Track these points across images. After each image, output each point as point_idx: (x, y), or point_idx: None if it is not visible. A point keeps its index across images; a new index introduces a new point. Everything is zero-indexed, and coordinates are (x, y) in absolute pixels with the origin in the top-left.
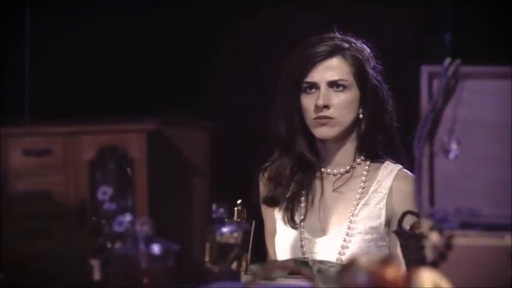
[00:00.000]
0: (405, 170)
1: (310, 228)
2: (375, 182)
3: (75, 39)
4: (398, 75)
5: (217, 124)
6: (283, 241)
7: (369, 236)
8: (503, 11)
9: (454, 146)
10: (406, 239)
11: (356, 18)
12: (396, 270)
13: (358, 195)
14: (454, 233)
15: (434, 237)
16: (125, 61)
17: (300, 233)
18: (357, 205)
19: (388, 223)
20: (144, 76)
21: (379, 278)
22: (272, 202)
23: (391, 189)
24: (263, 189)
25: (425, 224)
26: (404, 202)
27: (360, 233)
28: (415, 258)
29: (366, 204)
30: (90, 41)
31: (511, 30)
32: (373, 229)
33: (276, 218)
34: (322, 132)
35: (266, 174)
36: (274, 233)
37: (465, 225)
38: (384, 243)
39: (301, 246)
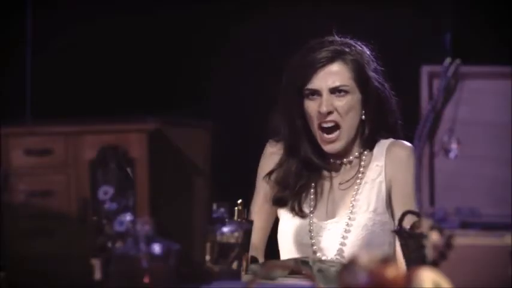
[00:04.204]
0: (398, 140)
1: (318, 216)
2: (372, 159)
3: (76, 39)
4: (398, 75)
5: (217, 124)
6: (290, 227)
7: (372, 214)
8: (502, 11)
9: (454, 146)
10: (406, 238)
11: (356, 18)
12: (396, 270)
13: (359, 180)
14: (454, 232)
15: (434, 237)
16: (125, 61)
17: (309, 219)
18: (359, 184)
19: (389, 194)
20: (144, 76)
21: (379, 278)
22: (281, 203)
23: (386, 162)
24: (269, 161)
25: (426, 224)
26: (399, 166)
27: (364, 211)
28: (415, 257)
29: (366, 182)
30: (91, 41)
31: (510, 30)
32: (377, 204)
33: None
34: (330, 148)
35: (273, 177)
36: (264, 202)
37: (465, 225)
38: (387, 221)
39: (310, 231)
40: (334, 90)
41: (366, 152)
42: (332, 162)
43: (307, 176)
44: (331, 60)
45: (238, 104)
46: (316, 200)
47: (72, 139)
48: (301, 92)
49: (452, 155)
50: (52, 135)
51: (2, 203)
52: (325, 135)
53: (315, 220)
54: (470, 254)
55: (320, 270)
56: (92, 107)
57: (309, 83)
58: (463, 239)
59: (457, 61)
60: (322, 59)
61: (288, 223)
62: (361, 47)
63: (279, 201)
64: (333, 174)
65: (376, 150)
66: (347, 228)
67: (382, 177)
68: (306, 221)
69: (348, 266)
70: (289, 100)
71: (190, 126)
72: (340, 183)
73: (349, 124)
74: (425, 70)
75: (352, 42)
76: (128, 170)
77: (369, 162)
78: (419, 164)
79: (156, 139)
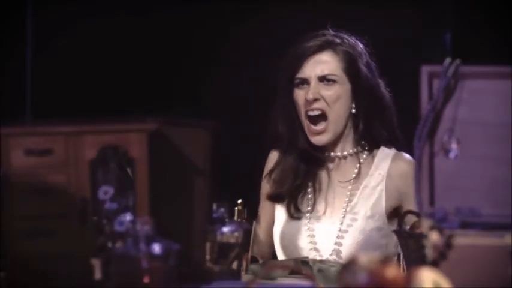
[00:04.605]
0: (401, 152)
1: (315, 215)
2: (373, 165)
3: (76, 39)
4: (398, 75)
5: (217, 124)
6: (286, 226)
7: (370, 220)
8: (502, 11)
9: (454, 146)
10: (406, 238)
11: (356, 18)
12: (396, 270)
13: (358, 183)
14: (454, 232)
15: (434, 237)
16: (125, 61)
17: (306, 218)
18: (358, 188)
19: (395, 207)
20: (144, 76)
21: (379, 278)
22: (277, 198)
23: (390, 172)
24: (272, 164)
25: (426, 224)
26: (408, 181)
27: (361, 216)
28: (415, 257)
29: (366, 186)
30: (91, 40)
31: (510, 30)
32: (374, 211)
33: (277, 207)
34: (317, 140)
35: (273, 176)
36: (267, 203)
37: (465, 225)
38: (384, 226)
39: (306, 231)
40: (323, 79)
41: (365, 153)
42: (327, 155)
43: (305, 172)
44: (321, 48)
45: (238, 104)
46: (314, 198)
47: (72, 139)
48: (292, 82)
49: (452, 155)
50: (52, 135)
51: (2, 203)
52: (312, 127)
53: (311, 220)
54: (470, 254)
55: (320, 270)
56: (92, 107)
57: (299, 72)
58: (463, 239)
59: (457, 61)
60: (312, 48)
61: (284, 222)
62: (354, 40)
63: (275, 197)
64: (330, 168)
65: (378, 157)
66: (342, 228)
67: (382, 186)
68: (302, 221)
69: (348, 266)
70: (284, 92)
71: (190, 126)
72: (338, 181)
73: (336, 115)
74: (425, 70)
75: (345, 35)
76: (128, 170)
77: (370, 167)
78: (420, 164)
79: (156, 139)
